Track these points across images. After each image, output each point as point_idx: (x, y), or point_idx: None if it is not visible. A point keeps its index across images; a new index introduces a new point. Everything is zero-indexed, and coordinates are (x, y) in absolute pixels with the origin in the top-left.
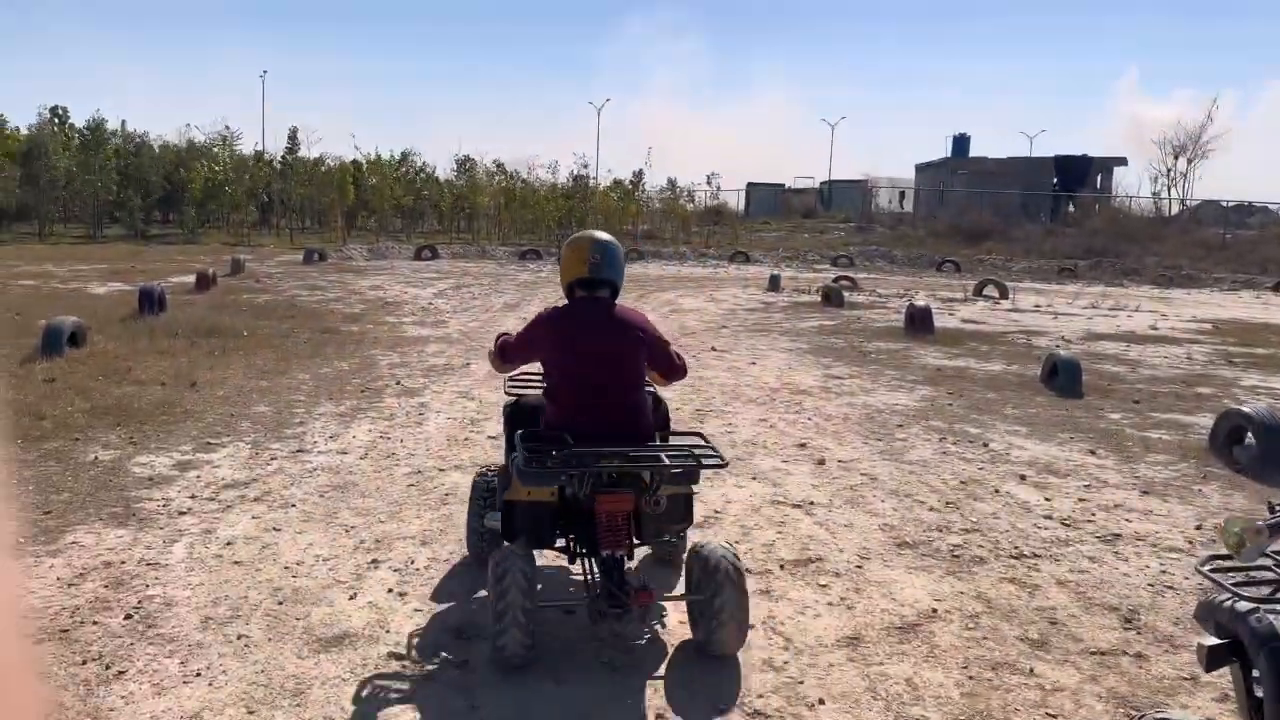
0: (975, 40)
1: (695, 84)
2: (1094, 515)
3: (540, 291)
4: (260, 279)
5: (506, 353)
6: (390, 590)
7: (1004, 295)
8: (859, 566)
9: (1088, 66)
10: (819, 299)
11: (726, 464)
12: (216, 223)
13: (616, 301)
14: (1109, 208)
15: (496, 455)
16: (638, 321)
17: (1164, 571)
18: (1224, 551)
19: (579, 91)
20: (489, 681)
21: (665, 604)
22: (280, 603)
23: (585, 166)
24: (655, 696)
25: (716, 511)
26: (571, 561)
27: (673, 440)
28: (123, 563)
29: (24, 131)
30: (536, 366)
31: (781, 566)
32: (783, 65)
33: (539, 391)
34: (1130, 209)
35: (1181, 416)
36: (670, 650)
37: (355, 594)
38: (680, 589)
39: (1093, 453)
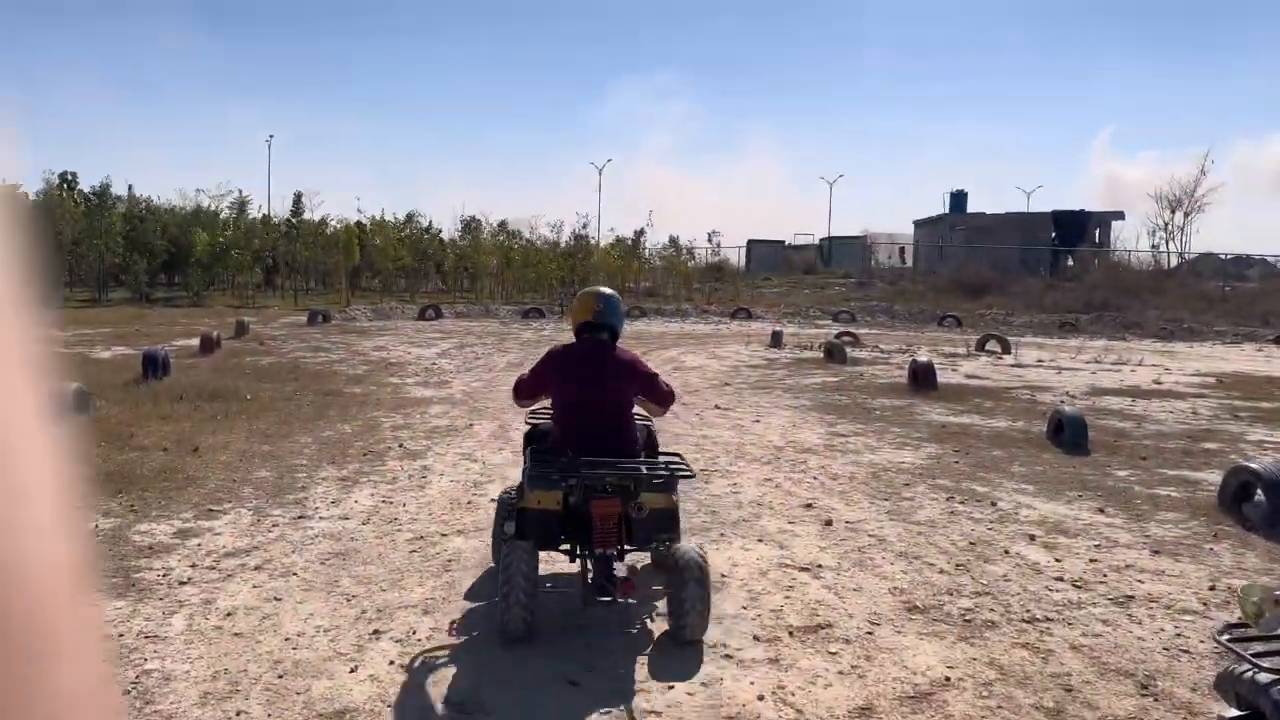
0: (964, 105)
1: (691, 145)
2: (1105, 576)
3: (544, 350)
4: (264, 341)
5: (522, 384)
6: (392, 662)
7: (1006, 350)
8: (869, 632)
9: (1070, 129)
10: (821, 355)
11: (693, 475)
12: (221, 285)
13: (616, 344)
14: (1108, 261)
15: None
16: (629, 359)
17: (1179, 634)
18: (1241, 619)
19: (578, 152)
20: None
21: (658, 604)
22: (280, 676)
23: (585, 226)
24: None
25: (723, 575)
26: (571, 560)
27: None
28: (121, 635)
29: (33, 197)
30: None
31: (790, 633)
32: (775, 129)
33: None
34: (1129, 262)
35: (1189, 473)
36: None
37: (356, 666)
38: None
39: (1101, 511)
